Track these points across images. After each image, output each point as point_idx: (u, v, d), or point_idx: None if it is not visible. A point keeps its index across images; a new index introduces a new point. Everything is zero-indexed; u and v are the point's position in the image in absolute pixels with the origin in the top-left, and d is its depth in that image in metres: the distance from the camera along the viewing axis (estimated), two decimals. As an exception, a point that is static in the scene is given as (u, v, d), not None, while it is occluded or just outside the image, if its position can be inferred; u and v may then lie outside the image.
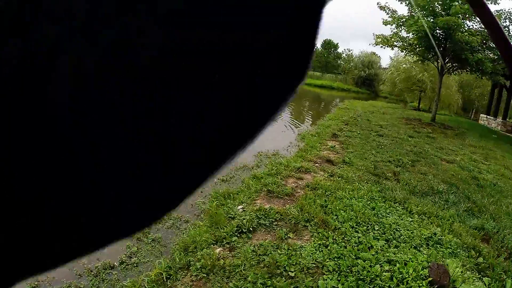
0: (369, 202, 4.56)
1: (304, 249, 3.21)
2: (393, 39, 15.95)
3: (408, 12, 14.40)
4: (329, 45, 32.20)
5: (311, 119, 12.53)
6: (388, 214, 4.29)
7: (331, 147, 7.49)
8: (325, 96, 22.32)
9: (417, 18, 12.93)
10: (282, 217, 3.87)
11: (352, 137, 8.80)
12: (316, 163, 6.14)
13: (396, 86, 24.31)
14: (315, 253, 3.15)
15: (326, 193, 4.61)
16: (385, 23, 15.08)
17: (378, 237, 3.63)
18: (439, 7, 13.60)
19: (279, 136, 9.04)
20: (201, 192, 4.83)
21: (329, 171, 5.72)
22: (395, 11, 14.99)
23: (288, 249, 3.18)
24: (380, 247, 3.42)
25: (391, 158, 7.26)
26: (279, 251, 3.14)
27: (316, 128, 9.69)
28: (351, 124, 10.81)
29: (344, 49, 34.09)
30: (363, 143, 8.33)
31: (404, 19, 14.39)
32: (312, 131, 9.16)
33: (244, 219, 3.75)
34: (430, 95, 21.56)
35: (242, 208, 4.16)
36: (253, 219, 3.75)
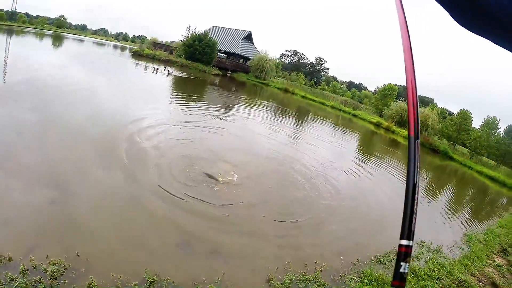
0: None
1: None
2: None
3: None
4: (512, 132, 27.53)
5: (475, 216, 11.59)
6: None
7: (498, 266, 7.14)
8: (493, 190, 19.49)
9: None
10: None
11: (526, 261, 8.03)
12: (480, 282, 6.10)
13: None
14: None
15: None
16: None
17: None
18: None
19: (442, 226, 8.95)
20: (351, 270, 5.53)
21: (493, 300, 5.65)
22: None
23: None
24: None
25: None
26: None
27: (484, 233, 9.13)
28: (527, 241, 9.68)
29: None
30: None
31: None
32: (480, 236, 8.72)
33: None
34: None
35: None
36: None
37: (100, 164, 6.92)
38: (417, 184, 0.70)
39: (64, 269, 4.07)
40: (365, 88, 64.95)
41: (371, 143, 24.02)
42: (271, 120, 18.30)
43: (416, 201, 0.69)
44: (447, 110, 46.86)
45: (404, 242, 0.70)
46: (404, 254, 0.70)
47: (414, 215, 0.69)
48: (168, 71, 26.34)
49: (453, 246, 7.58)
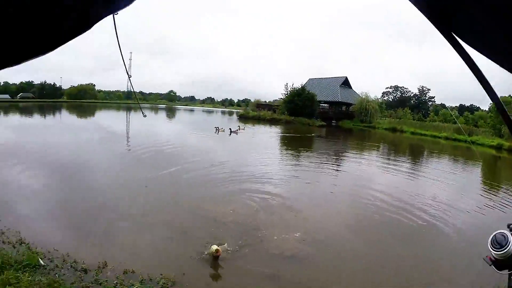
0: None
1: None
2: None
3: None
4: None
5: None
6: None
7: None
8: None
9: None
10: None
11: None
12: None
13: None
14: None
15: None
16: None
17: None
18: None
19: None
20: None
21: None
22: None
23: None
24: None
25: None
26: None
27: None
28: None
29: None
30: None
31: None
32: None
33: None
34: None
35: None
36: None
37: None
38: None
39: None
40: (477, 109, 58.79)
41: (494, 170, 19.53)
42: (384, 163, 16.63)
43: None
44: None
45: None
46: None
47: None
48: (231, 129, 23.78)
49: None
